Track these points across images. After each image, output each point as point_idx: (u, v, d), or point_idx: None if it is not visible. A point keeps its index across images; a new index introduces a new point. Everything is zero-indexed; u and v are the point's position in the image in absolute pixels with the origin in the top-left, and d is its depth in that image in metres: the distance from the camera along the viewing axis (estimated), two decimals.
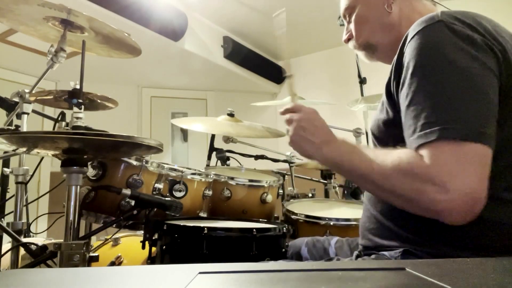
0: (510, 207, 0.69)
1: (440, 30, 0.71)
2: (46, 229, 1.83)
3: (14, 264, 1.38)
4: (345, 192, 2.21)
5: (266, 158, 2.16)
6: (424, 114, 0.67)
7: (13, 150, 1.24)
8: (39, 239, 1.63)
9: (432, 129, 0.65)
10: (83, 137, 0.99)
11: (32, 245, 1.18)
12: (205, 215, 1.49)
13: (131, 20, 3.00)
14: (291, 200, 1.85)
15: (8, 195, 1.67)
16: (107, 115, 2.06)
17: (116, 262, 1.39)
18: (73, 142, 1.02)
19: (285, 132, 0.92)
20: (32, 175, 1.59)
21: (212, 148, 2.14)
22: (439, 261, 0.55)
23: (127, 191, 1.23)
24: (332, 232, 1.44)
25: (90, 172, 1.33)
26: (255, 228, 1.12)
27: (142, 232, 1.26)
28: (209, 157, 2.14)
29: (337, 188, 2.29)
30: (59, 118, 1.45)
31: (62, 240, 1.05)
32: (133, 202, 1.27)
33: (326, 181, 2.30)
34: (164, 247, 1.15)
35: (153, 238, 1.21)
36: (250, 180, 1.60)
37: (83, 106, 1.19)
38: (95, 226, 1.29)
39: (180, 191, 1.39)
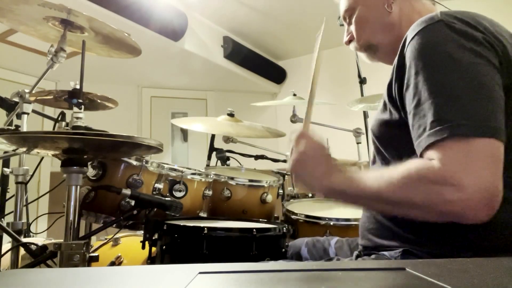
0: (510, 206, 0.68)
1: (441, 30, 0.71)
2: (46, 229, 1.83)
3: (14, 264, 1.38)
4: None
5: (266, 158, 2.16)
6: (433, 113, 0.66)
7: (13, 150, 1.24)
8: (39, 239, 1.63)
9: (442, 126, 0.64)
10: (83, 137, 1.00)
11: (32, 245, 1.18)
12: (205, 215, 1.49)
13: (131, 20, 3.00)
14: (291, 200, 1.85)
15: (8, 195, 1.67)
16: (107, 115, 2.06)
17: (116, 262, 1.39)
18: (73, 142, 1.02)
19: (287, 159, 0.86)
20: (32, 175, 1.59)
21: (212, 148, 2.14)
22: (439, 261, 0.55)
23: (127, 191, 1.23)
24: (332, 232, 1.44)
25: (90, 172, 1.33)
26: (255, 228, 1.12)
27: (142, 232, 1.26)
28: (209, 157, 2.14)
29: None
30: (59, 118, 1.45)
31: (62, 240, 1.05)
32: (133, 202, 1.27)
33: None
34: (164, 247, 1.15)
35: (153, 238, 1.21)
36: (250, 180, 1.60)
37: (83, 106, 1.19)
38: (95, 226, 1.29)
39: (180, 191, 1.39)
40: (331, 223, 1.47)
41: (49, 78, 1.54)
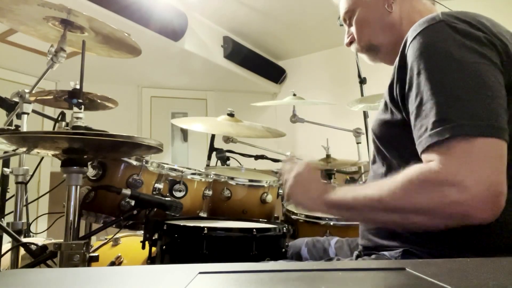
0: (510, 207, 0.68)
1: (443, 30, 0.71)
2: (46, 229, 1.83)
3: (14, 264, 1.38)
4: None
5: (266, 158, 2.16)
6: (435, 113, 0.65)
7: (13, 150, 1.24)
8: (39, 239, 1.63)
9: (444, 126, 0.64)
10: (83, 137, 1.00)
11: (32, 245, 1.18)
12: (205, 215, 1.49)
13: (131, 20, 3.00)
14: (291, 200, 1.85)
15: (8, 195, 1.67)
16: (107, 115, 2.06)
17: (116, 262, 1.39)
18: (73, 142, 1.02)
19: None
20: (32, 175, 1.59)
21: (212, 148, 2.14)
22: (439, 261, 0.55)
23: (127, 191, 1.23)
24: (332, 232, 1.45)
25: (90, 172, 1.33)
26: (255, 228, 1.12)
27: (142, 232, 1.26)
28: (209, 157, 2.14)
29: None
30: (59, 118, 1.45)
31: (62, 240, 1.05)
32: (133, 202, 1.27)
33: (326, 181, 2.30)
34: (164, 247, 1.15)
35: (153, 238, 1.21)
36: (250, 180, 1.60)
37: (83, 106, 1.19)
38: (95, 226, 1.29)
39: (180, 191, 1.39)
40: (331, 223, 1.47)
41: (49, 78, 1.54)
